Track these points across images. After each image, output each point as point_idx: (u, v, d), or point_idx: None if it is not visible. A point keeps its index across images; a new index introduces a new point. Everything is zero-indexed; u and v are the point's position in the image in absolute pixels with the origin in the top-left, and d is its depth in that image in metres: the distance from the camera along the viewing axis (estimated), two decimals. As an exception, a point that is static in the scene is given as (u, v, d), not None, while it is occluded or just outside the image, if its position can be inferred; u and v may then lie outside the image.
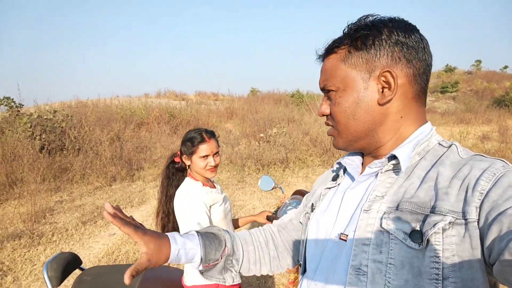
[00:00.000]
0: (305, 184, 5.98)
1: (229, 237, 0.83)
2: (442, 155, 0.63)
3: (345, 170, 0.81)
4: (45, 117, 7.36)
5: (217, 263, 0.78)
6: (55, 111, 7.82)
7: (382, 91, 0.65)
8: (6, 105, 7.81)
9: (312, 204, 0.83)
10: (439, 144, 0.66)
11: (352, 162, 0.78)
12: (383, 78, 0.65)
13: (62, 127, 7.36)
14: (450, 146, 0.65)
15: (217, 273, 0.79)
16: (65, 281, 1.64)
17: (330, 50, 0.70)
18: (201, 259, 0.75)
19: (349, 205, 0.69)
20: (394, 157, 0.64)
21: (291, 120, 10.84)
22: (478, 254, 0.50)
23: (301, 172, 6.75)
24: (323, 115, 0.74)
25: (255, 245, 0.88)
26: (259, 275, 0.88)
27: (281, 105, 14.68)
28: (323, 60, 0.74)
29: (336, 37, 0.71)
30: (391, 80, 0.64)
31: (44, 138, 6.84)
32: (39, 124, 7.00)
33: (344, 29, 0.70)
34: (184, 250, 0.72)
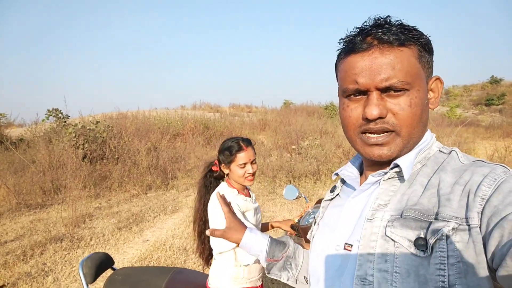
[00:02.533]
0: (337, 197, 5.87)
1: (293, 244, 0.93)
2: (443, 161, 0.63)
3: (343, 181, 0.81)
4: (88, 127, 7.81)
5: (278, 260, 0.88)
6: (97, 122, 8.27)
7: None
8: (54, 116, 8.38)
9: (314, 218, 0.84)
10: (440, 151, 0.66)
11: (351, 173, 0.77)
12: (433, 85, 0.66)
13: (103, 137, 7.76)
14: (450, 152, 0.65)
15: (277, 270, 0.89)
16: (98, 278, 1.74)
17: (403, 41, 0.60)
18: (266, 254, 0.89)
19: (352, 215, 0.68)
20: (396, 165, 0.63)
21: (324, 132, 10.72)
22: (482, 260, 0.50)
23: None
24: (379, 118, 0.61)
25: None
26: None
27: (314, 117, 14.56)
28: (373, 51, 0.61)
29: (386, 28, 0.61)
30: (438, 87, 0.66)
31: (86, 148, 7.25)
32: (82, 134, 7.44)
33: (383, 25, 0.62)
34: (254, 242, 0.90)
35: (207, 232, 0.90)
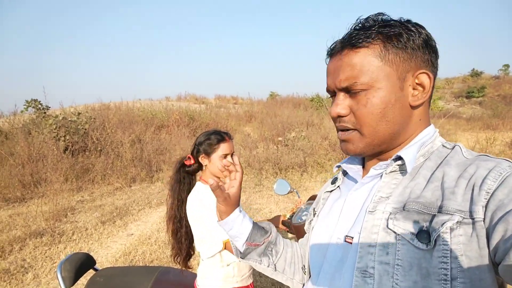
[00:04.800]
0: (323, 189, 5.90)
1: (275, 230, 0.88)
2: (447, 156, 0.63)
3: (344, 173, 0.80)
4: (69, 119, 7.60)
5: (259, 245, 0.83)
6: (79, 113, 8.06)
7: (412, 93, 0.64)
8: (33, 107, 8.11)
9: (314, 209, 0.84)
10: (443, 145, 0.66)
11: (353, 166, 0.77)
12: (417, 80, 0.63)
13: (85, 129, 7.57)
14: (453, 147, 0.65)
15: (256, 255, 0.83)
16: (79, 281, 1.67)
17: (359, 43, 0.62)
18: (247, 237, 0.82)
19: (353, 207, 0.68)
20: (399, 158, 0.64)
21: (310, 124, 10.75)
22: (485, 254, 0.50)
23: (319, 177, 6.66)
24: (339, 116, 0.66)
25: (293, 250, 0.89)
26: (287, 283, 0.88)
27: (300, 109, 14.59)
28: (340, 54, 0.65)
29: (353, 31, 0.64)
30: (426, 82, 0.63)
31: (68, 139, 7.06)
32: (63, 126, 7.24)
33: (359, 25, 0.64)
34: (239, 222, 0.82)
35: (210, 181, 0.78)
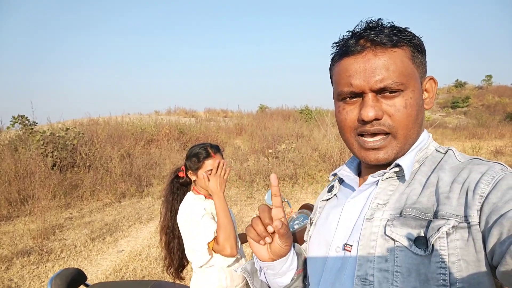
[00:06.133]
0: (314, 200, 5.90)
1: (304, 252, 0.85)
2: (441, 160, 0.63)
3: (341, 181, 0.79)
4: (57, 134, 7.51)
5: (301, 271, 0.78)
6: (67, 129, 7.98)
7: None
8: (20, 123, 7.99)
9: (311, 218, 0.82)
10: (436, 150, 0.67)
11: (349, 173, 0.76)
12: (427, 85, 0.66)
13: (73, 145, 7.48)
14: (447, 151, 0.65)
15: (301, 282, 0.78)
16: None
17: (396, 42, 0.60)
18: (297, 267, 0.76)
19: (351, 215, 0.67)
20: (397, 164, 0.63)
21: (300, 136, 10.82)
22: (482, 258, 0.50)
23: (310, 188, 6.68)
24: (374, 119, 0.61)
25: None
26: None
27: (290, 121, 14.69)
28: (370, 53, 0.61)
29: (380, 30, 0.61)
30: (432, 87, 0.67)
31: (56, 155, 6.96)
32: (51, 142, 7.14)
33: (376, 27, 0.62)
34: (291, 257, 0.75)
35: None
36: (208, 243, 1.39)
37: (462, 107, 24.21)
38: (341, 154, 7.52)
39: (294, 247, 0.78)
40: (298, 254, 0.79)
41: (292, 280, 0.76)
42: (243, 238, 1.83)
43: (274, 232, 0.67)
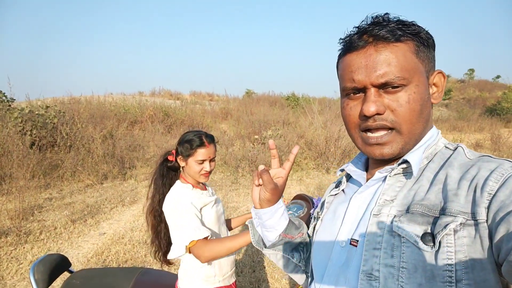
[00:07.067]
0: (299, 187, 5.94)
1: (306, 228, 0.88)
2: (450, 157, 0.63)
3: (348, 177, 0.80)
4: (36, 112, 7.24)
5: (293, 238, 0.83)
6: (47, 107, 7.70)
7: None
8: (-4, 99, 7.67)
9: (318, 213, 0.83)
10: (446, 147, 0.66)
11: (356, 169, 0.77)
12: (435, 79, 0.65)
13: (54, 123, 7.24)
14: (456, 148, 0.65)
15: (288, 248, 0.84)
16: (54, 284, 1.58)
17: (395, 37, 0.60)
18: (284, 229, 0.81)
19: (357, 210, 0.67)
20: (405, 161, 0.63)
21: (286, 122, 10.82)
22: (489, 255, 0.50)
23: (296, 175, 6.71)
24: (376, 114, 0.61)
25: None
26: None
27: (276, 107, 14.66)
28: (371, 48, 0.61)
29: (384, 25, 0.61)
30: (441, 81, 0.66)
31: (35, 134, 6.72)
32: (30, 120, 6.88)
33: (381, 22, 0.62)
34: (280, 214, 0.79)
35: (260, 167, 0.74)
36: (187, 245, 1.35)
37: (444, 100, 24.71)
38: (327, 142, 7.56)
39: (284, 208, 0.82)
40: (292, 221, 0.84)
41: (278, 239, 0.80)
42: (229, 225, 1.80)
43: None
